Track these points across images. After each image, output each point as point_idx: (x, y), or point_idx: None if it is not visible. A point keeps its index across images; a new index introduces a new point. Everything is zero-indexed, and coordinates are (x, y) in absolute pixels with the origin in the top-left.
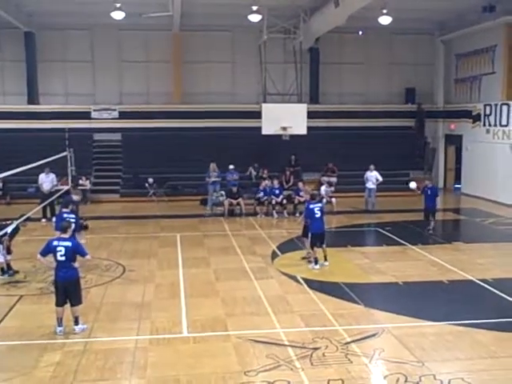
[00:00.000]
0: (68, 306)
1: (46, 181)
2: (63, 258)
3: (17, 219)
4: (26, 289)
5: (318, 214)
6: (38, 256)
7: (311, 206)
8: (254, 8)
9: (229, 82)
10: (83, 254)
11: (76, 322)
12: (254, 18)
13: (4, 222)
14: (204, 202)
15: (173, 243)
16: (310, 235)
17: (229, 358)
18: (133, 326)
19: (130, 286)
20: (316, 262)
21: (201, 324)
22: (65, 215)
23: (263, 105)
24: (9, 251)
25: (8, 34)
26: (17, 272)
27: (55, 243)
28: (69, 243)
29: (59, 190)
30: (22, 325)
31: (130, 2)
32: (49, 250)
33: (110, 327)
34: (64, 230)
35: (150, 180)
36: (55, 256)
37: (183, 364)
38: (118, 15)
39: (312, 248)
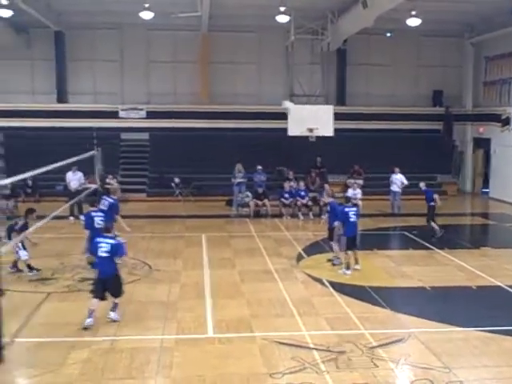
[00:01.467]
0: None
1: (74, 179)
2: (106, 255)
3: (26, 215)
4: (54, 286)
5: (353, 218)
6: (87, 254)
7: (346, 210)
8: (282, 9)
9: (255, 83)
10: (121, 255)
11: (113, 309)
12: (282, 18)
13: (16, 220)
14: (230, 203)
15: (198, 243)
16: (345, 239)
17: (254, 360)
18: (159, 325)
19: (155, 285)
20: (348, 268)
21: (226, 325)
22: (93, 214)
23: (289, 106)
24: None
25: (38, 33)
26: (39, 270)
27: (99, 239)
28: (112, 241)
29: (87, 189)
30: (50, 322)
31: (159, 2)
32: (94, 246)
33: (137, 326)
34: (108, 231)
35: (176, 180)
36: (97, 252)
37: (208, 364)
38: (146, 15)
39: (346, 252)
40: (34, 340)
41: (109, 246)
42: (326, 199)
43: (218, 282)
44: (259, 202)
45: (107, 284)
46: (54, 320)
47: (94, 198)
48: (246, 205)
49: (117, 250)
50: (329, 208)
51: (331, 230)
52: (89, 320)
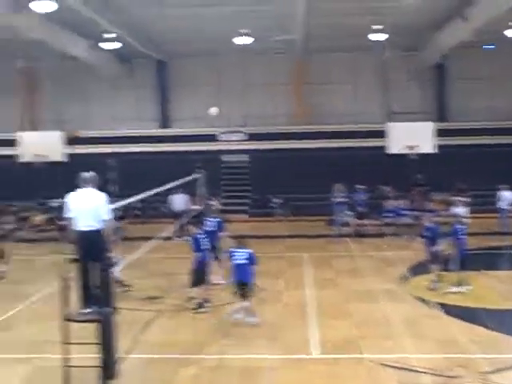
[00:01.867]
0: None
1: (178, 201)
2: (243, 262)
3: None
4: (163, 304)
5: (463, 237)
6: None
7: (457, 227)
8: (376, 27)
9: (351, 102)
10: (256, 263)
11: (250, 315)
12: (376, 37)
13: None
14: (330, 223)
15: (300, 263)
16: (457, 257)
17: (360, 382)
18: (264, 344)
19: (260, 304)
20: (459, 285)
21: (331, 345)
22: (198, 236)
23: (389, 124)
24: None
25: (141, 62)
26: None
27: (234, 250)
28: (248, 250)
29: (191, 210)
30: (159, 339)
31: (254, 27)
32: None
33: (243, 344)
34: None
35: (277, 200)
36: (234, 260)
37: None
38: (243, 41)
39: (458, 271)
40: (144, 356)
41: (246, 254)
42: (426, 222)
43: (322, 302)
44: (360, 222)
45: (245, 288)
46: (163, 337)
47: (198, 219)
48: (347, 224)
49: (253, 259)
50: (427, 233)
51: (432, 253)
52: (237, 316)
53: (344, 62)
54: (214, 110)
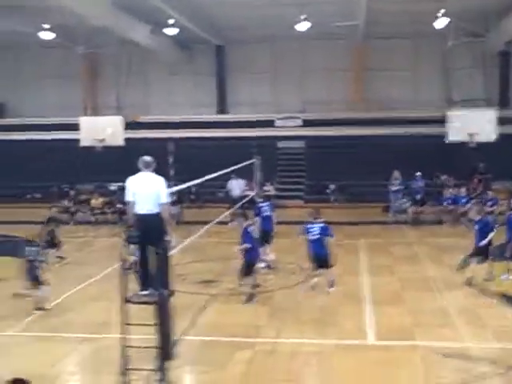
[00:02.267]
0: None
1: (236, 186)
2: (317, 237)
3: None
4: (218, 288)
5: None
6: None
7: None
8: (440, 14)
9: (411, 89)
10: (331, 235)
11: (331, 286)
12: (440, 23)
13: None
14: (387, 209)
15: (356, 250)
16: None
17: (415, 370)
18: (319, 329)
19: (314, 290)
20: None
21: (386, 332)
22: (248, 227)
23: (449, 112)
24: None
25: (200, 48)
26: None
27: (309, 225)
28: (321, 224)
29: (247, 196)
30: (215, 322)
31: (314, 13)
32: (305, 230)
33: (297, 329)
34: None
35: (332, 186)
36: (308, 236)
37: (368, 372)
38: (303, 26)
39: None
40: (200, 339)
41: (318, 228)
42: (475, 216)
43: (378, 289)
44: (418, 209)
45: (322, 261)
46: (218, 320)
47: (245, 212)
48: (404, 211)
49: (326, 231)
50: (477, 226)
51: (480, 247)
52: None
53: (405, 48)
54: None
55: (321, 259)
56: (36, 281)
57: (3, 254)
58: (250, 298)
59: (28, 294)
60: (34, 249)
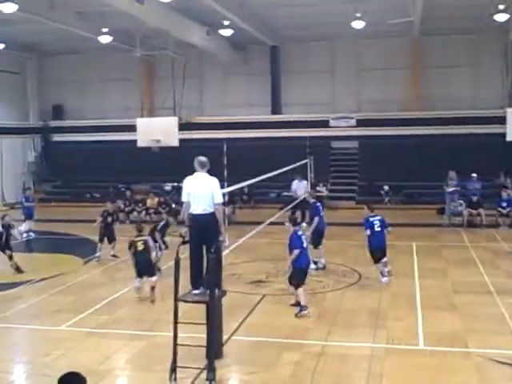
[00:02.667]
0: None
1: (299, 187)
2: (379, 229)
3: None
4: (269, 288)
5: None
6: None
7: None
8: (501, 7)
9: (470, 86)
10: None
11: (388, 275)
12: (501, 17)
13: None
14: (441, 211)
15: (409, 252)
16: None
17: (468, 377)
18: (369, 333)
19: (365, 292)
20: None
21: (438, 337)
22: (297, 232)
23: (509, 110)
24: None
25: (255, 49)
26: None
27: (372, 218)
28: (379, 217)
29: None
30: (265, 323)
31: (369, 11)
32: (368, 224)
33: (347, 332)
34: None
35: (386, 187)
36: (373, 229)
37: (419, 377)
38: (358, 24)
39: None
40: (249, 339)
41: (379, 221)
42: None
43: (430, 293)
44: (473, 211)
45: (383, 252)
46: (267, 321)
47: (295, 215)
48: (459, 214)
49: (385, 223)
50: None
51: None
52: (385, 279)
53: (464, 44)
54: None
55: (383, 250)
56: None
57: (64, 252)
58: (301, 309)
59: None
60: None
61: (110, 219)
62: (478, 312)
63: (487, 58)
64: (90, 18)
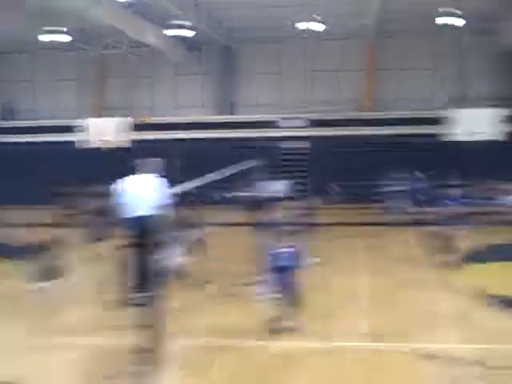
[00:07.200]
0: None
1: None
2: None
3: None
4: (215, 289)
5: None
6: None
7: None
8: (446, 9)
9: (426, 88)
10: None
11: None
12: (449, 20)
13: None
14: (387, 210)
15: (353, 250)
16: None
17: (402, 372)
18: (309, 331)
19: (308, 292)
20: None
21: (376, 334)
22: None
23: (453, 110)
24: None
25: (208, 49)
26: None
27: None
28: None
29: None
30: (208, 323)
31: (323, 12)
32: None
33: (291, 332)
34: None
35: (334, 186)
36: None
37: (357, 375)
38: (309, 26)
39: None
40: (190, 342)
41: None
42: None
43: (371, 290)
44: (418, 209)
45: None
46: (210, 322)
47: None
48: (405, 212)
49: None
50: None
51: None
52: None
53: (421, 46)
54: None
55: None
56: None
57: None
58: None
59: None
60: None
61: None
62: (418, 307)
63: (439, 61)
64: (43, 15)
